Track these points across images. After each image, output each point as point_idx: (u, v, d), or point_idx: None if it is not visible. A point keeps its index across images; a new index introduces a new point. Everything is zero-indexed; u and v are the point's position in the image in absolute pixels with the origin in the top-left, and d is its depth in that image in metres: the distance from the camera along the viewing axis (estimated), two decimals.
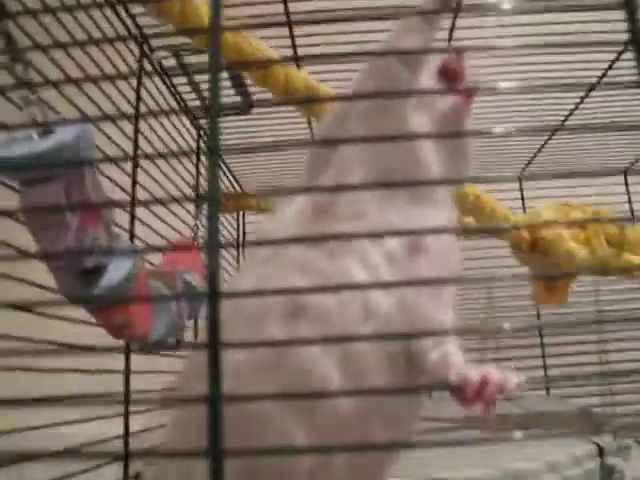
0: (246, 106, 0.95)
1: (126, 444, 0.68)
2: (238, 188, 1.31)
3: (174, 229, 0.84)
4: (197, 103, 0.95)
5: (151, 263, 0.74)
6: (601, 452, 0.72)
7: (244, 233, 1.36)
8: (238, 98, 0.93)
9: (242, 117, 1.00)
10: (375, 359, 0.37)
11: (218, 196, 0.28)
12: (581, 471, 0.68)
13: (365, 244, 0.39)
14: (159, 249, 0.83)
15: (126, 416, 0.66)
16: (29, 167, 0.41)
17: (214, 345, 0.28)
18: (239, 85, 0.87)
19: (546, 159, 1.23)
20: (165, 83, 0.89)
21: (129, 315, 0.54)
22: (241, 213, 1.36)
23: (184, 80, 0.89)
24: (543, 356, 1.24)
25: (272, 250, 0.40)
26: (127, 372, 0.66)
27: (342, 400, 0.36)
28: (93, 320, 0.54)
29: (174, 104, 0.92)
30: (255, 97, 0.93)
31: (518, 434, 0.28)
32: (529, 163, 1.27)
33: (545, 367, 1.21)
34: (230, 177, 1.25)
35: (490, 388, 0.30)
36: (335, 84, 0.74)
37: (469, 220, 0.86)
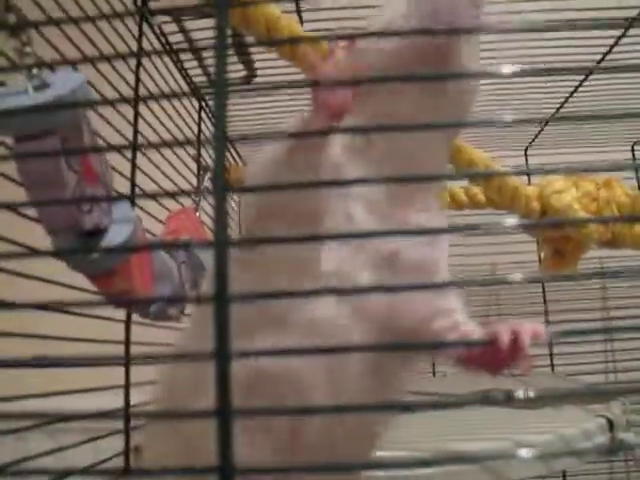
0: (250, 76, 0.92)
1: (127, 417, 0.67)
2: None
3: (176, 200, 0.83)
4: (199, 71, 0.92)
5: (152, 234, 0.72)
6: (611, 426, 0.71)
7: None
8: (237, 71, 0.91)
9: (249, 101, 0.96)
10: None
11: (224, 173, 0.26)
12: (591, 445, 0.67)
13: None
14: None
15: (127, 387, 0.65)
16: (25, 120, 0.39)
17: (221, 298, 0.26)
18: (243, 52, 0.85)
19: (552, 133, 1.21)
20: (165, 50, 0.87)
21: (130, 282, 0.53)
22: None
23: (185, 46, 0.86)
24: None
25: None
26: (127, 339, 0.64)
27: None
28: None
29: (174, 72, 0.90)
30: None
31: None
32: (535, 137, 1.25)
33: (550, 343, 1.20)
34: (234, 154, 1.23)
35: (523, 337, 0.28)
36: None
37: (477, 190, 0.84)
